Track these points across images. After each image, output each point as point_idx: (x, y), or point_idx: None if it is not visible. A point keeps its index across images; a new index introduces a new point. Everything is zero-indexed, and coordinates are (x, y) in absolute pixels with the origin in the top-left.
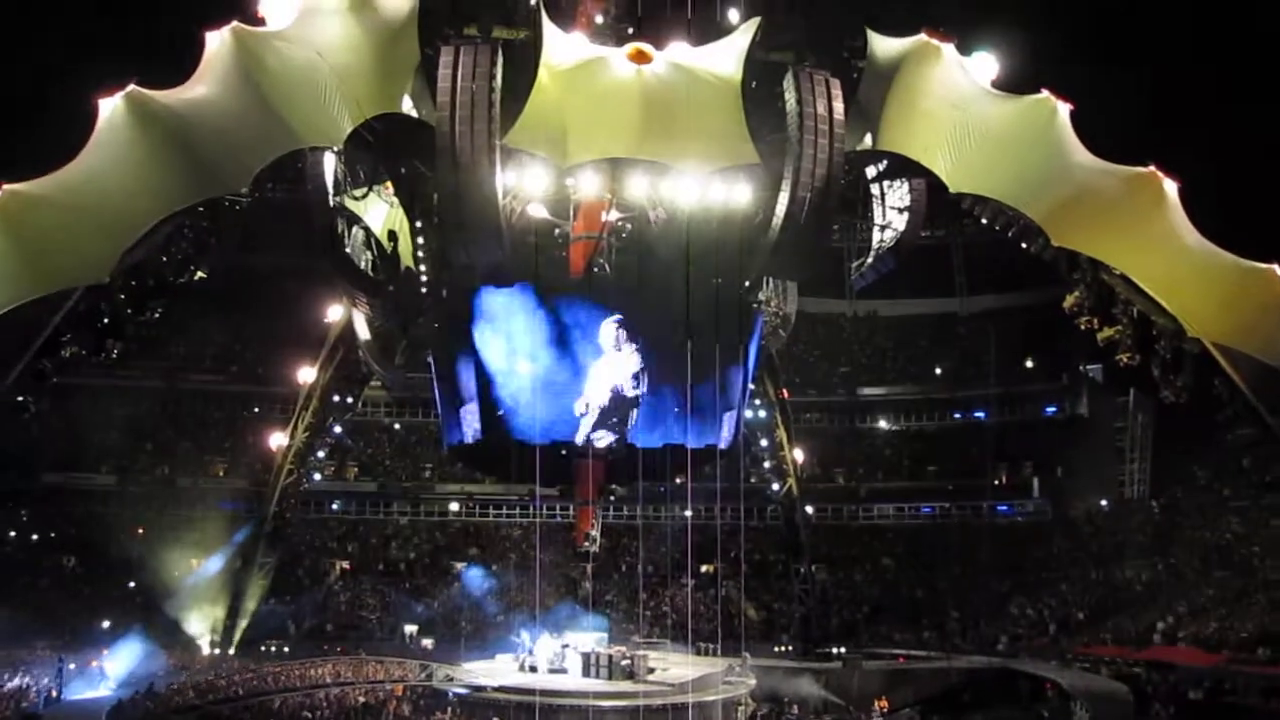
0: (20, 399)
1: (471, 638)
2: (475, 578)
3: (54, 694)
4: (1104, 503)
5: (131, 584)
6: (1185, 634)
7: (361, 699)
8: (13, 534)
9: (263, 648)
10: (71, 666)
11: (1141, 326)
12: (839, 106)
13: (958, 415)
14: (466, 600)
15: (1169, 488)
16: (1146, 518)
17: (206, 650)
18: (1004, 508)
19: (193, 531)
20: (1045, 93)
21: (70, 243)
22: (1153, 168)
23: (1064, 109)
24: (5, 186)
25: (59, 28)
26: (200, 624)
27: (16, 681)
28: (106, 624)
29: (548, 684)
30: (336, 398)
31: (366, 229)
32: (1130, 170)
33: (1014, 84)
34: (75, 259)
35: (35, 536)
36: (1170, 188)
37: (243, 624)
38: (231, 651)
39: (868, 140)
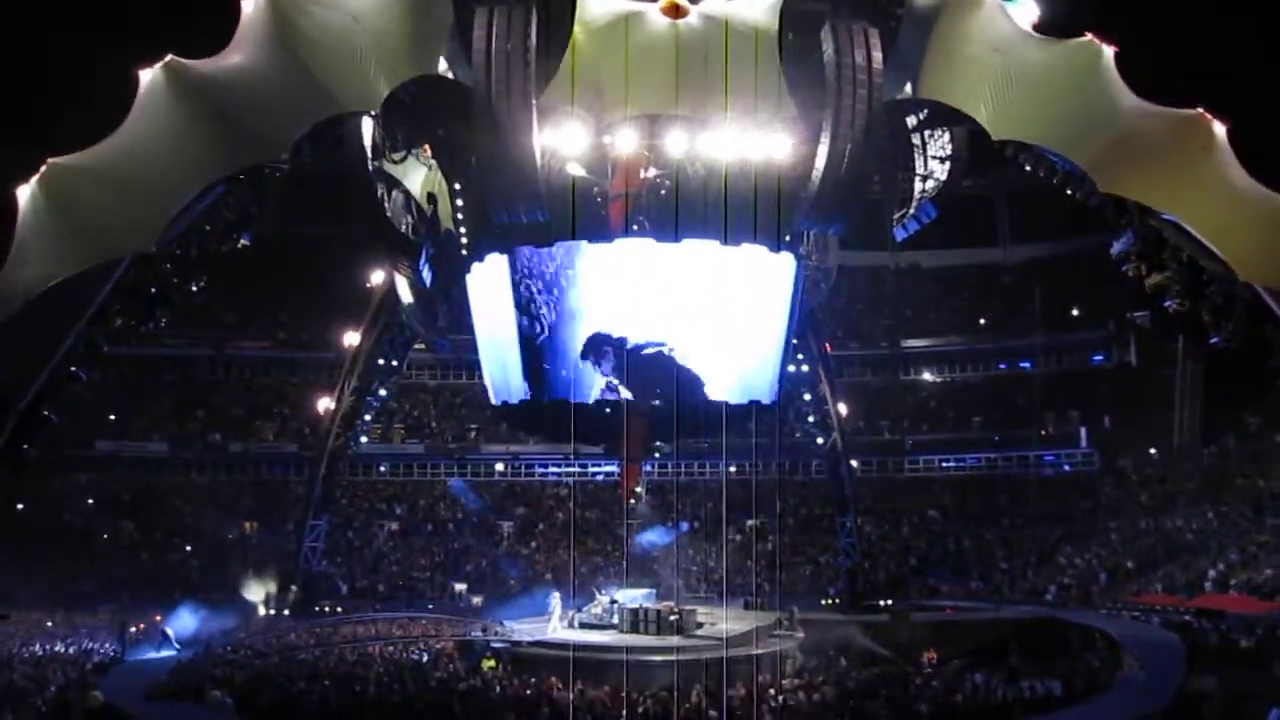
0: (73, 370)
1: (520, 595)
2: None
3: (117, 656)
4: (1153, 451)
5: (188, 548)
6: (1237, 581)
7: (412, 656)
8: (71, 502)
9: (316, 609)
10: (133, 630)
11: (1191, 272)
12: (877, 56)
13: (1003, 365)
14: (514, 558)
15: (1220, 435)
16: (1196, 466)
17: (262, 612)
18: (1051, 457)
19: (245, 496)
20: (1089, 35)
21: (114, 214)
22: (1201, 110)
23: (1108, 51)
24: (49, 160)
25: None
26: (255, 587)
27: (82, 645)
28: (165, 588)
29: (596, 639)
30: (381, 361)
31: (406, 192)
32: (1178, 113)
33: (1056, 27)
34: (120, 230)
35: (92, 502)
36: (1219, 130)
37: (295, 586)
38: (286, 613)
39: (908, 89)
